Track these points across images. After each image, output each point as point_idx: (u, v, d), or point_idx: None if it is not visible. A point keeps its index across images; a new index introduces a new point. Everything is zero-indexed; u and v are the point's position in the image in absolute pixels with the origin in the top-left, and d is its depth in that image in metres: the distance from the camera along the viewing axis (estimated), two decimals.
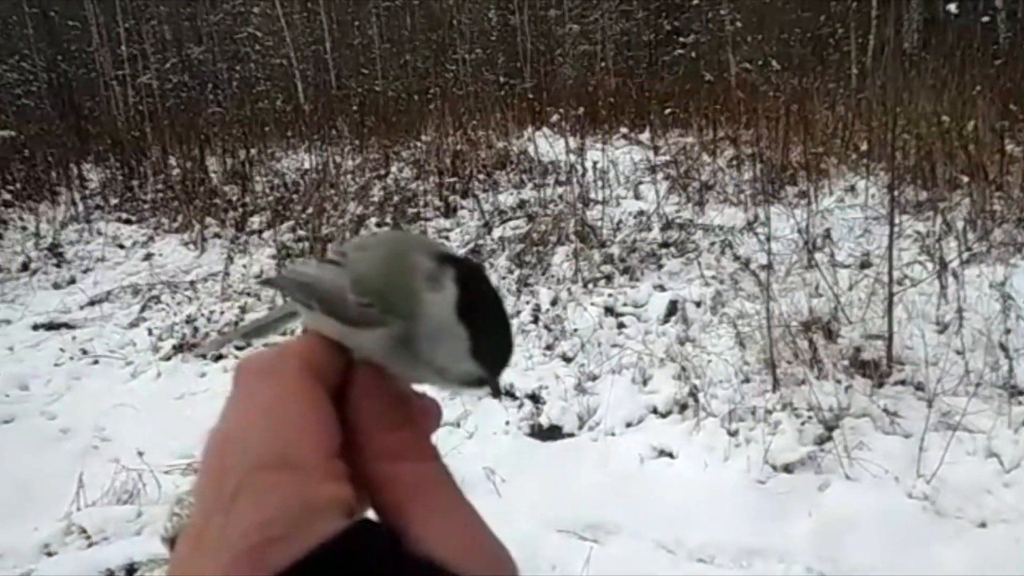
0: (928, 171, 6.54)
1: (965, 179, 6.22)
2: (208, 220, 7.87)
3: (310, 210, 7.37)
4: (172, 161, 9.83)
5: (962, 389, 3.79)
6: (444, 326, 0.37)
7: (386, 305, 0.38)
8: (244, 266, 6.85)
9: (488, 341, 0.37)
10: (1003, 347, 3.90)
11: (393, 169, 8.92)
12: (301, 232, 7.22)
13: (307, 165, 9.23)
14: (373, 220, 7.27)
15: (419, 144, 9.34)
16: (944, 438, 3.41)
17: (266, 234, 7.38)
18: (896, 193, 5.31)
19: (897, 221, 5.11)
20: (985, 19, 12.13)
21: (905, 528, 3.11)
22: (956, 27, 11.31)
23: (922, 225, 5.75)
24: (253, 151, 9.72)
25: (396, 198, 7.82)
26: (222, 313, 5.91)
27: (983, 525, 3.08)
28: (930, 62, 9.58)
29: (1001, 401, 3.63)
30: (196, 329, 5.59)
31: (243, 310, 5.94)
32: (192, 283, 6.69)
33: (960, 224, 5.60)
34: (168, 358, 5.43)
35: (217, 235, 7.71)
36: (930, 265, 4.82)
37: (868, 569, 2.93)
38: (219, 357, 5.39)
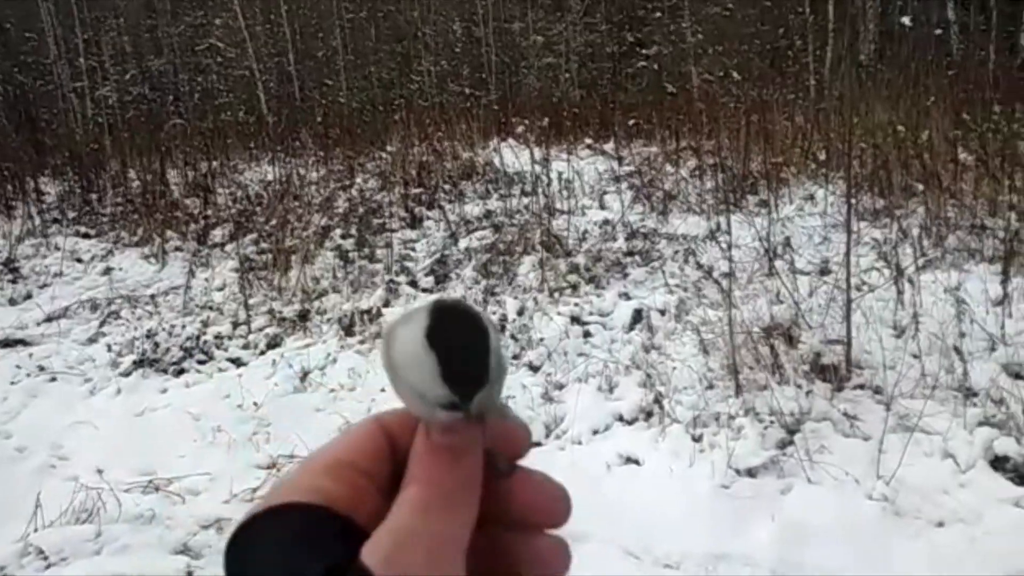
0: (884, 179, 6.70)
1: (920, 187, 6.38)
2: (169, 233, 7.76)
3: (273, 222, 7.31)
4: (132, 174, 9.68)
5: (919, 392, 3.87)
6: (416, 352, 0.40)
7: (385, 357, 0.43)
8: (206, 279, 6.76)
9: (456, 365, 0.40)
10: (957, 350, 4.00)
11: (358, 180, 8.89)
12: (264, 244, 7.15)
13: (270, 177, 9.15)
14: (338, 232, 7.23)
15: (384, 155, 9.32)
16: (902, 440, 3.47)
17: (229, 247, 7.29)
18: (853, 201, 5.43)
19: (855, 228, 5.23)
20: (938, 31, 12.48)
21: (865, 529, 3.16)
22: (911, 39, 11.62)
23: (879, 232, 5.88)
24: (215, 163, 9.61)
25: (361, 209, 7.79)
26: (184, 327, 5.82)
27: (941, 524, 3.14)
28: (886, 73, 9.84)
29: (956, 403, 3.72)
30: (157, 344, 5.50)
31: (205, 324, 5.85)
32: (153, 297, 6.58)
33: (916, 231, 5.74)
34: (128, 374, 5.32)
35: (178, 248, 7.60)
36: (887, 271, 4.92)
37: (830, 571, 2.97)
38: (180, 372, 5.32)
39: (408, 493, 0.40)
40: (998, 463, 3.37)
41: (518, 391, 4.51)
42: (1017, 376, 3.93)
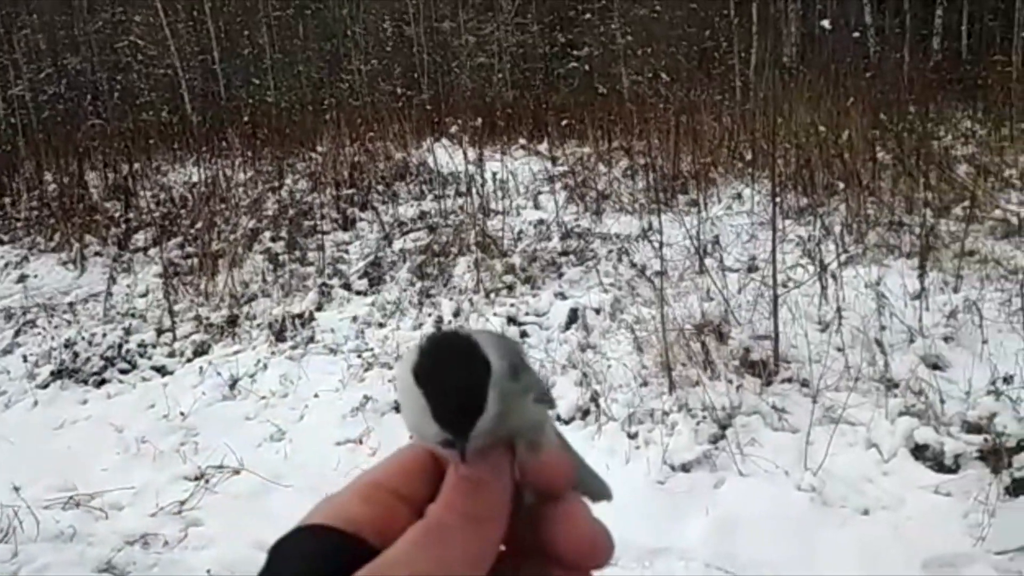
0: (808, 178, 6.91)
1: (841, 185, 6.60)
2: (88, 238, 7.46)
3: (199, 225, 7.09)
4: (48, 176, 9.27)
5: (843, 384, 4.00)
6: (407, 390, 0.41)
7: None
8: (128, 286, 6.52)
9: (442, 403, 0.40)
10: (879, 343, 4.15)
11: (288, 181, 8.71)
12: (190, 248, 6.93)
13: (196, 178, 8.88)
14: (267, 234, 7.06)
15: (315, 156, 9.16)
16: (828, 431, 3.58)
17: (152, 251, 7.05)
18: (778, 200, 5.58)
19: (780, 226, 5.37)
20: (856, 35, 12.94)
21: (795, 519, 3.25)
22: (830, 42, 12.02)
23: (803, 230, 6.06)
24: (137, 165, 9.28)
25: (291, 211, 7.62)
26: (104, 336, 5.59)
27: (866, 513, 3.25)
28: (808, 75, 10.14)
29: (879, 394, 3.85)
30: (76, 354, 5.27)
31: (127, 332, 5.64)
32: (71, 305, 6.31)
33: (838, 228, 5.94)
34: (45, 385, 5.09)
35: (98, 254, 7.31)
36: (811, 267, 5.07)
37: (762, 562, 3.03)
38: (102, 382, 5.11)
39: (424, 519, 0.41)
40: (918, 451, 3.51)
41: None
42: (935, 367, 4.09)
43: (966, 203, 5.77)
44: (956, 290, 4.87)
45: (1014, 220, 5.75)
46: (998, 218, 5.88)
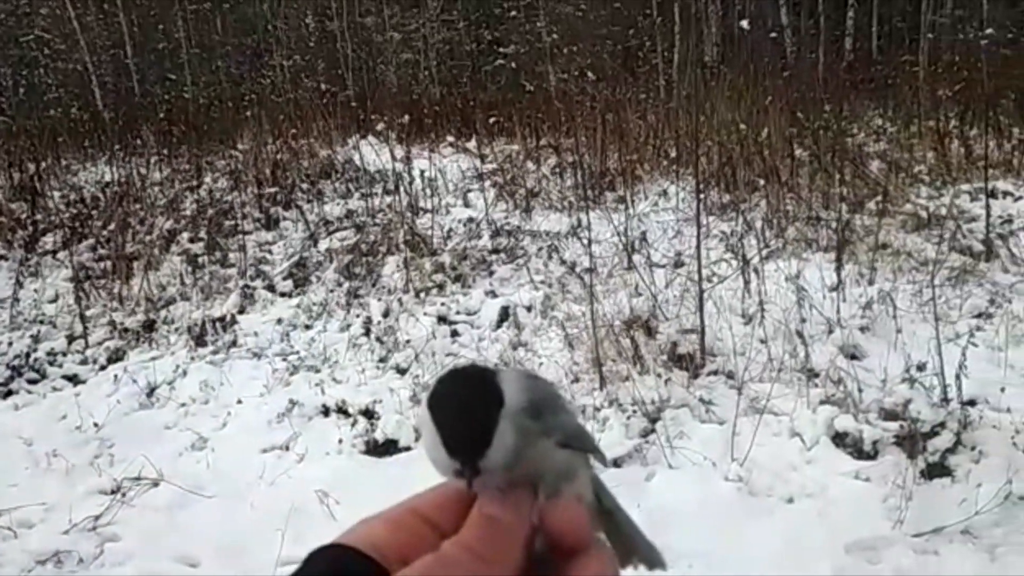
0: (730, 175, 7.07)
1: (762, 182, 6.78)
2: None
3: (112, 226, 6.78)
4: None
5: (766, 375, 4.10)
6: (423, 420, 0.43)
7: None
8: (36, 291, 6.19)
9: (448, 432, 0.41)
10: (799, 335, 4.27)
11: (207, 180, 8.42)
12: (103, 251, 6.63)
13: (108, 178, 8.51)
14: (185, 235, 6.81)
15: (235, 153, 8.88)
16: (753, 422, 3.66)
17: (62, 254, 6.70)
18: (702, 196, 5.69)
19: (704, 222, 5.47)
20: (773, 35, 13.32)
21: (723, 509, 3.30)
22: (749, 42, 12.34)
23: (726, 225, 6.19)
24: (44, 164, 8.82)
25: (211, 211, 7.37)
26: (11, 344, 5.30)
27: (791, 501, 3.33)
28: (728, 74, 10.38)
29: (800, 384, 3.96)
30: None
31: (36, 339, 5.35)
32: None
33: (759, 223, 6.09)
34: None
35: (2, 257, 6.91)
36: (734, 262, 5.19)
37: (693, 553, 3.07)
38: (8, 393, 4.84)
39: (436, 552, 0.42)
40: (839, 439, 3.62)
41: (385, 395, 4.41)
42: (852, 357, 4.24)
43: (879, 198, 6.00)
44: (871, 282, 5.05)
45: (923, 214, 6.01)
46: (909, 212, 6.13)
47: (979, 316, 4.58)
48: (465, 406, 0.42)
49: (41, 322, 5.68)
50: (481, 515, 0.43)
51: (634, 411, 3.92)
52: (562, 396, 0.50)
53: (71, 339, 5.38)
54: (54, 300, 6.03)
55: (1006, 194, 6.51)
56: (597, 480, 0.51)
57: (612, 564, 0.47)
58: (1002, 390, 3.72)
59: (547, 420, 0.45)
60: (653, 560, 0.51)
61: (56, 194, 8.18)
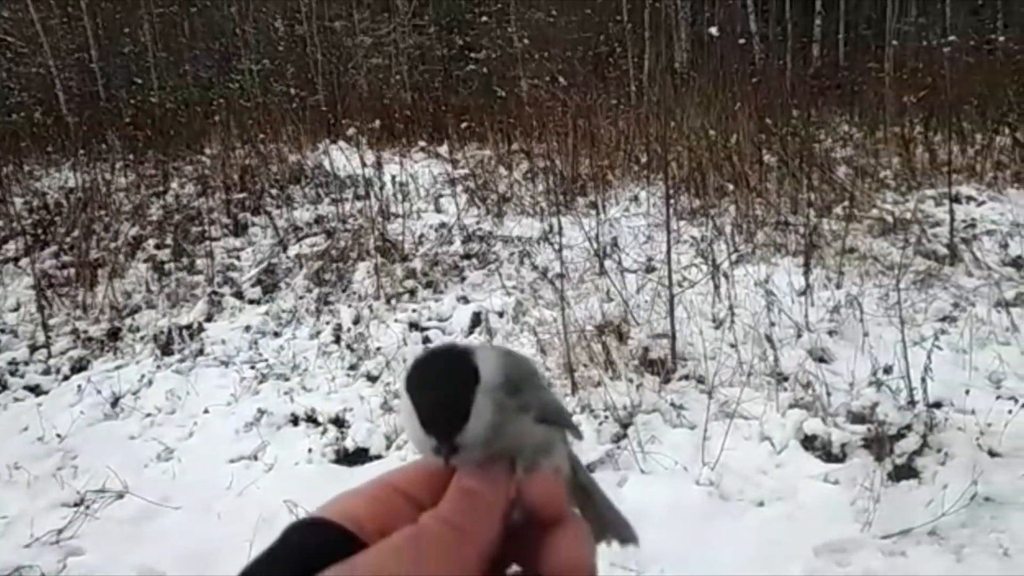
0: (699, 181, 7.12)
1: (731, 187, 6.84)
2: None
3: (76, 233, 6.65)
4: None
5: (736, 379, 4.12)
6: (403, 398, 0.43)
7: None
8: None
9: (426, 409, 0.42)
10: (769, 339, 4.30)
11: (174, 185, 8.30)
12: (66, 258, 6.50)
13: (72, 183, 8.35)
14: (151, 241, 6.70)
15: (203, 159, 8.77)
16: (724, 426, 3.68)
17: (23, 261, 6.56)
18: (672, 202, 5.72)
19: (674, 228, 5.51)
20: (742, 41, 13.47)
21: (695, 514, 3.31)
22: (718, 48, 12.47)
23: (696, 230, 6.23)
24: (6, 169, 8.64)
25: (178, 217, 7.27)
26: None
27: (761, 504, 3.35)
28: (698, 80, 10.48)
29: (770, 388, 3.99)
30: None
31: None
32: None
33: (728, 228, 6.14)
34: None
35: None
36: (705, 267, 5.22)
37: (665, 557, 3.08)
38: None
39: (413, 524, 0.43)
40: (808, 442, 3.65)
41: (356, 403, 4.37)
42: (821, 360, 4.28)
43: (846, 203, 6.08)
44: (839, 286, 5.12)
45: (889, 219, 6.10)
46: (875, 217, 6.22)
47: (944, 319, 4.65)
48: (442, 383, 0.42)
49: (2, 331, 5.56)
50: (459, 488, 0.44)
51: (606, 416, 3.92)
52: (539, 372, 0.50)
53: (33, 348, 5.27)
54: (15, 309, 5.90)
55: (969, 199, 6.64)
56: (573, 456, 0.51)
57: (588, 537, 0.47)
58: (967, 392, 3.78)
59: (524, 396, 0.45)
60: (626, 536, 0.52)
61: (18, 200, 8.01)
